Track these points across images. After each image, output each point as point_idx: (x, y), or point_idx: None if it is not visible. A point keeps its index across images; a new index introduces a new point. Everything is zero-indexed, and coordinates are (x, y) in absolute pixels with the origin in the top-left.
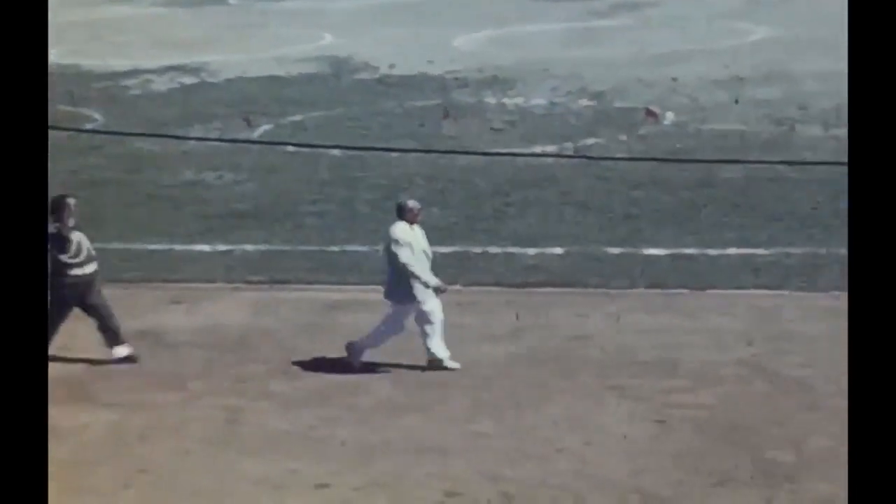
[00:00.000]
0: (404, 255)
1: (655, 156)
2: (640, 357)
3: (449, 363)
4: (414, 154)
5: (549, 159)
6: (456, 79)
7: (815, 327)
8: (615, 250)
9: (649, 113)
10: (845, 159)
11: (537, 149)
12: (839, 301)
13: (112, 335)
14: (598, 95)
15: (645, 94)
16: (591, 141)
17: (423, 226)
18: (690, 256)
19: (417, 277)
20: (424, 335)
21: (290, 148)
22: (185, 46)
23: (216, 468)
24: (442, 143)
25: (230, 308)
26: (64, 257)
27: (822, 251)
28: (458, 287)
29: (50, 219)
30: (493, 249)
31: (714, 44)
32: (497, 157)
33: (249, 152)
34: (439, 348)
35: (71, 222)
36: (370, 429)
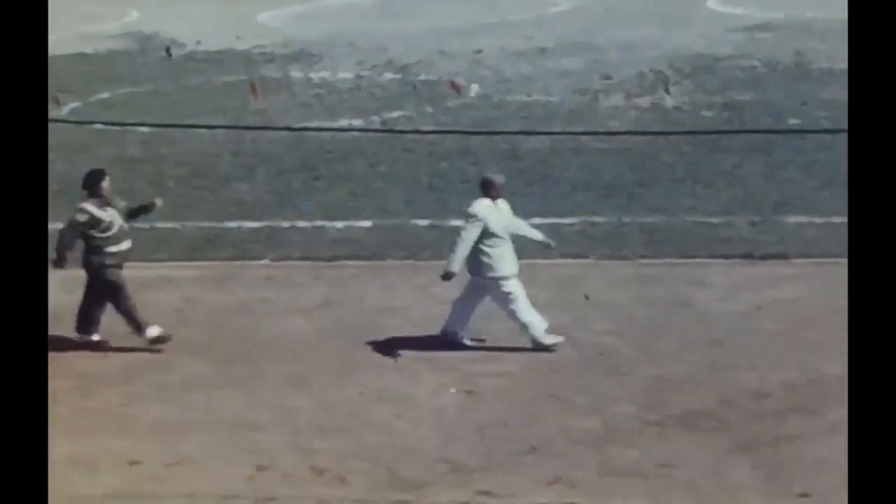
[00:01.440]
0: (466, 232)
1: (461, 128)
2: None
3: (546, 339)
4: (222, 129)
5: (356, 133)
6: (262, 54)
7: (620, 294)
8: (422, 222)
9: (453, 86)
10: (648, 128)
11: (344, 122)
12: (643, 268)
13: (133, 318)
14: (403, 68)
15: (449, 66)
16: (397, 114)
17: (231, 200)
18: None
19: (451, 254)
20: (512, 318)
21: (99, 126)
22: None
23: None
24: (249, 119)
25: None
26: (97, 233)
27: (627, 219)
28: (266, 261)
29: (83, 194)
30: (302, 223)
31: (517, 15)
32: (304, 132)
33: (58, 131)
34: (534, 327)
35: (106, 198)
36: (179, 405)
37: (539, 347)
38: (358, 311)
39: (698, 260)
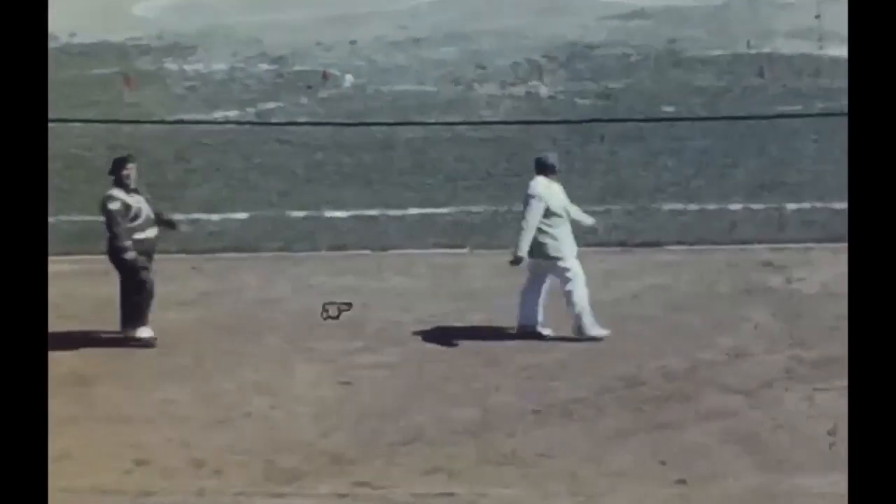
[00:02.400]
0: (531, 212)
1: (336, 119)
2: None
3: (593, 330)
4: (96, 123)
5: (231, 125)
6: (137, 46)
7: (496, 284)
8: (298, 213)
9: (325, 75)
10: (523, 117)
11: (219, 114)
12: None
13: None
14: (278, 59)
15: (324, 57)
16: (272, 105)
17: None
18: (371, 217)
19: (518, 239)
20: (569, 299)
21: None
22: None
23: None
24: (124, 112)
25: None
26: (124, 221)
27: (502, 209)
28: None
29: (110, 181)
30: (177, 216)
31: (391, 5)
32: (179, 125)
33: None
34: (586, 314)
35: (131, 184)
36: (57, 400)
37: (583, 337)
38: (236, 303)
39: None
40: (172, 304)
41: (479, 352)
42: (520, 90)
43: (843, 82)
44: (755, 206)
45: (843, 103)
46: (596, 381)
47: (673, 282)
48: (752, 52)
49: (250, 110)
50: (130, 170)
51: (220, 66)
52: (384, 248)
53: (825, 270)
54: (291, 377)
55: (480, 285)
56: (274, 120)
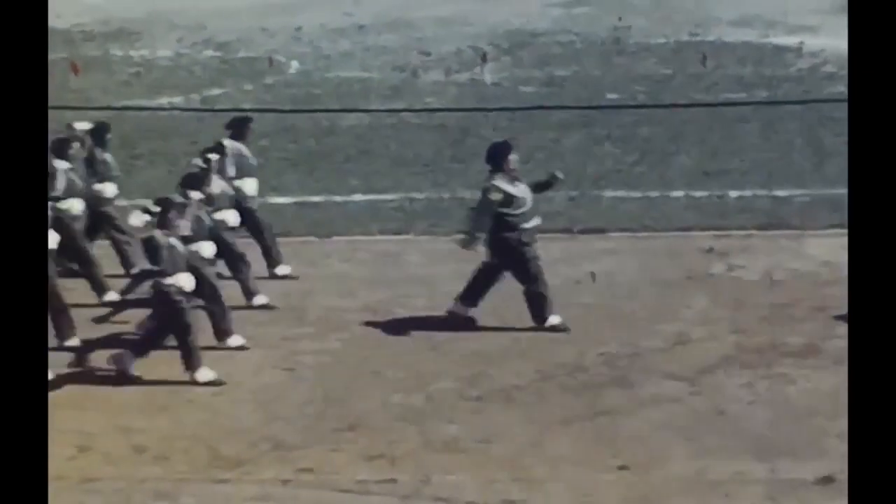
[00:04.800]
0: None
1: (281, 105)
2: (267, 305)
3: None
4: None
5: (176, 111)
6: (82, 32)
7: (439, 270)
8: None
9: (271, 63)
10: (467, 104)
11: (164, 100)
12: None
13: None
14: (223, 45)
15: (269, 43)
16: (216, 91)
17: None
18: (316, 204)
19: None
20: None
21: None
22: None
23: None
24: (69, 98)
25: None
26: (511, 210)
27: (446, 195)
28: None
29: (487, 169)
30: (121, 202)
31: None
32: (124, 111)
33: None
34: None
35: (513, 172)
36: None
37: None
38: None
39: None
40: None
41: (420, 338)
42: (464, 77)
43: (785, 70)
44: (698, 194)
45: (785, 91)
46: (537, 367)
47: (616, 268)
48: (696, 39)
49: (195, 96)
50: (513, 157)
51: (165, 52)
52: (328, 235)
53: (767, 258)
54: (233, 363)
55: (422, 272)
56: (219, 106)
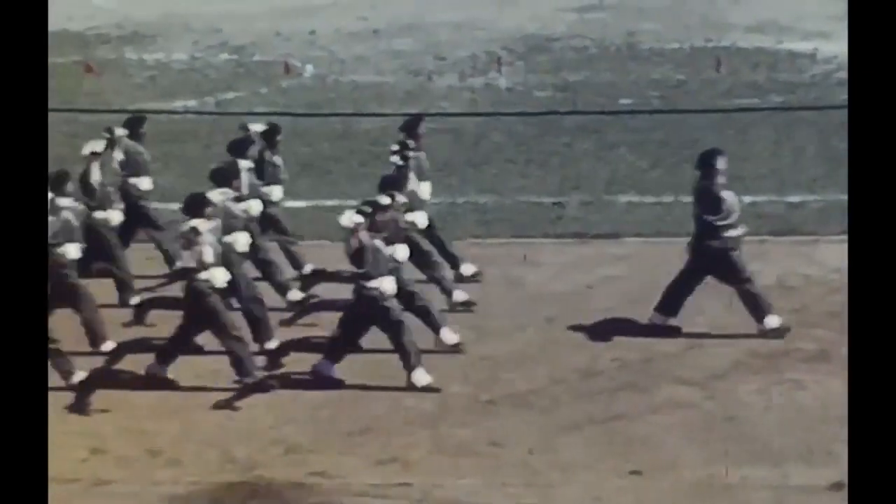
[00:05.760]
0: None
1: (295, 109)
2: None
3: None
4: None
5: (190, 114)
6: (97, 35)
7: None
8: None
9: (287, 68)
10: (481, 109)
11: (178, 104)
12: (475, 248)
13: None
14: (238, 49)
15: (284, 47)
16: (231, 95)
17: None
18: (330, 208)
19: None
20: None
21: None
22: None
23: None
24: (83, 101)
25: None
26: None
27: (459, 200)
28: None
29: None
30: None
31: None
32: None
33: None
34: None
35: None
36: None
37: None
38: None
39: (530, 240)
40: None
41: (434, 342)
42: (478, 82)
43: (799, 76)
44: None
45: (799, 97)
46: (550, 371)
47: (628, 273)
48: (710, 45)
49: (210, 100)
50: (721, 163)
51: (180, 55)
52: (343, 239)
53: (779, 264)
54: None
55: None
56: (233, 109)
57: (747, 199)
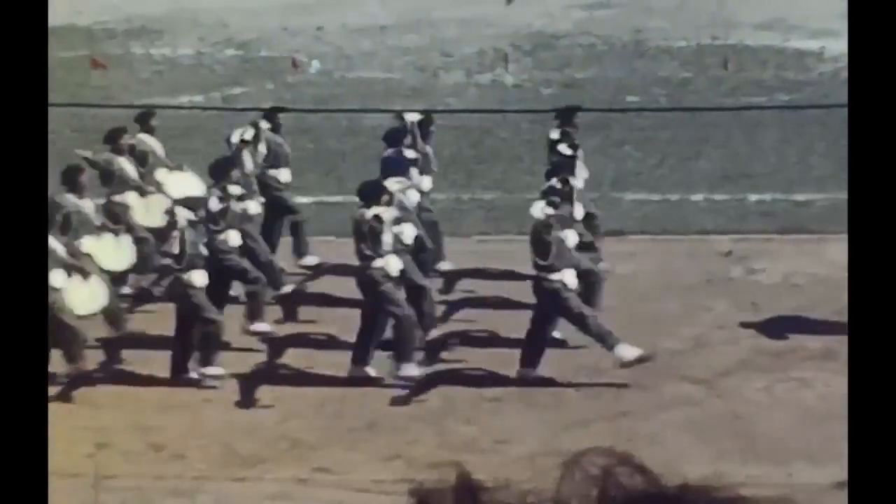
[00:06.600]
0: None
1: (302, 105)
2: None
3: None
4: (62, 106)
5: (197, 109)
6: (104, 30)
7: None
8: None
9: (294, 63)
10: (488, 106)
11: (185, 99)
12: (481, 245)
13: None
14: (244, 45)
15: (290, 42)
16: (238, 90)
17: None
18: (336, 204)
19: None
20: None
21: None
22: None
23: None
24: (89, 95)
25: None
26: None
27: (466, 196)
28: None
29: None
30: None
31: None
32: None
33: None
34: None
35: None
36: None
37: None
38: None
39: None
40: None
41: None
42: (485, 78)
43: (806, 74)
44: (718, 197)
45: (807, 95)
46: (555, 368)
47: (634, 271)
48: (717, 43)
49: (216, 95)
50: None
51: (186, 50)
52: (348, 235)
53: (786, 262)
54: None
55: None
56: (240, 105)
57: (754, 197)
